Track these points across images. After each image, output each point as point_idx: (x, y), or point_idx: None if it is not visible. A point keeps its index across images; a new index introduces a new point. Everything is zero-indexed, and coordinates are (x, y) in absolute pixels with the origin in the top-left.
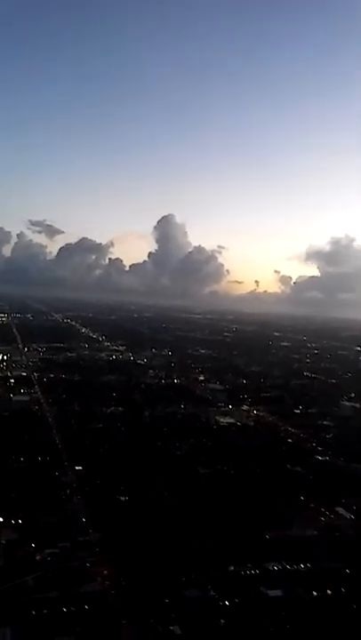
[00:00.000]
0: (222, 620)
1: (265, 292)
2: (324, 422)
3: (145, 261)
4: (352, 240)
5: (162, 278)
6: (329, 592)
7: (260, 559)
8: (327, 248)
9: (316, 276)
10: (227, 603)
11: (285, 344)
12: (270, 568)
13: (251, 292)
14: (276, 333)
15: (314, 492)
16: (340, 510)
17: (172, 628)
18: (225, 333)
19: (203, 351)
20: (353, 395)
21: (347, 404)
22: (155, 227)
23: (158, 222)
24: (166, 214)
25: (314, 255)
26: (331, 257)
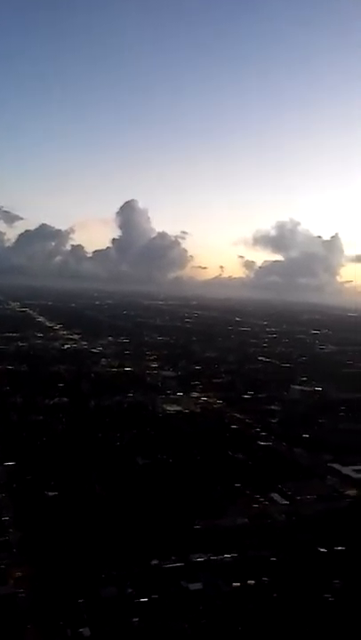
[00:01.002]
0: (135, 619)
1: (230, 277)
2: (272, 407)
3: (108, 248)
4: (297, 224)
5: (125, 264)
6: (251, 582)
7: (185, 551)
8: (273, 233)
9: (280, 261)
10: (144, 599)
11: (245, 329)
12: (195, 560)
13: (215, 277)
14: (237, 318)
15: (252, 478)
16: (275, 496)
17: (81, 630)
18: (186, 319)
19: (160, 338)
20: (304, 378)
21: (296, 387)
22: (117, 212)
23: (121, 208)
24: (129, 200)
25: (260, 240)
26: (276, 241)
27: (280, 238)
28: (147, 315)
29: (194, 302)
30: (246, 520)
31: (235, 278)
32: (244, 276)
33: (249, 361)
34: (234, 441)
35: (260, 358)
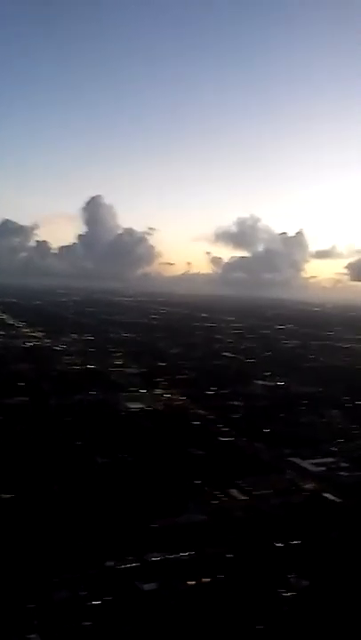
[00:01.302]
0: (87, 623)
1: (197, 273)
2: (235, 402)
3: (74, 244)
4: (257, 220)
5: (92, 261)
6: (206, 580)
7: (142, 551)
8: (234, 229)
9: (247, 257)
10: (97, 602)
11: (211, 325)
12: (151, 560)
13: (183, 273)
14: (203, 314)
15: (211, 474)
16: (234, 492)
17: (30, 636)
18: (152, 316)
19: (126, 335)
20: (268, 373)
21: (259, 383)
22: (83, 208)
23: (86, 204)
24: (94, 195)
25: (222, 236)
26: (238, 238)
27: (241, 234)
28: (113, 311)
29: (161, 299)
30: (204, 517)
31: (202, 274)
32: (211, 272)
33: (214, 357)
34: (195, 437)
35: (224, 354)
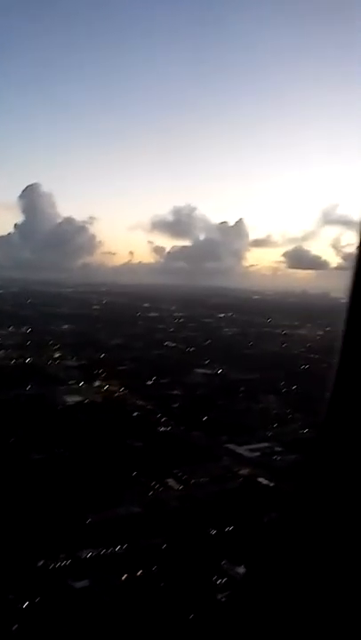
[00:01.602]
0: (15, 626)
1: (140, 262)
2: (174, 392)
3: (10, 233)
4: (193, 209)
5: (30, 251)
6: (140, 573)
7: (75, 547)
8: (170, 218)
9: (188, 246)
10: (26, 604)
11: (153, 314)
12: (84, 556)
13: (125, 263)
14: (146, 304)
15: (149, 465)
16: (171, 482)
17: None
18: (94, 306)
19: (66, 327)
20: (207, 361)
21: (199, 371)
22: (19, 196)
23: (23, 192)
24: (31, 183)
25: (158, 225)
26: (174, 227)
27: (177, 223)
28: (53, 303)
29: (103, 289)
30: (140, 509)
31: (145, 264)
32: (153, 261)
33: (155, 346)
34: (133, 429)
35: (166, 343)
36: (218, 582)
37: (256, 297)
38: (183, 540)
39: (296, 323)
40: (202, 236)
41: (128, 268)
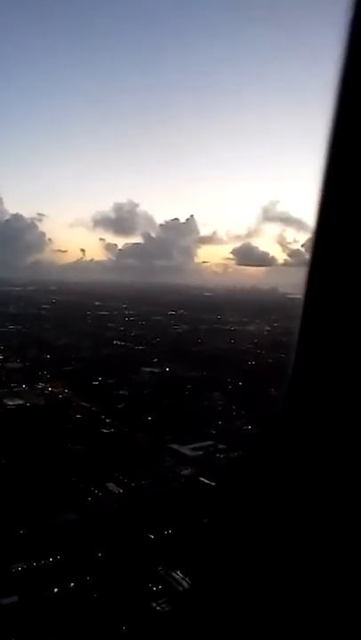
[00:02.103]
0: None
1: (91, 260)
2: (120, 392)
3: None
4: (135, 206)
5: None
6: (72, 585)
7: (5, 561)
8: (112, 215)
9: (140, 244)
10: None
11: (103, 313)
12: (14, 570)
13: (77, 260)
14: (96, 302)
15: (89, 470)
16: (111, 486)
17: None
18: (43, 306)
19: (12, 327)
20: (155, 360)
21: (146, 370)
22: None
23: None
24: None
25: (101, 222)
26: (116, 223)
27: (120, 220)
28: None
29: (53, 287)
30: (76, 516)
31: (97, 261)
32: (106, 259)
33: (103, 345)
34: (76, 432)
35: (115, 342)
36: (154, 589)
37: (207, 293)
38: (120, 546)
39: (245, 319)
40: (153, 234)
41: (79, 265)
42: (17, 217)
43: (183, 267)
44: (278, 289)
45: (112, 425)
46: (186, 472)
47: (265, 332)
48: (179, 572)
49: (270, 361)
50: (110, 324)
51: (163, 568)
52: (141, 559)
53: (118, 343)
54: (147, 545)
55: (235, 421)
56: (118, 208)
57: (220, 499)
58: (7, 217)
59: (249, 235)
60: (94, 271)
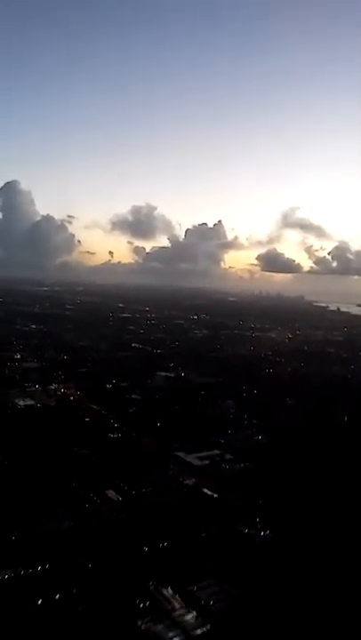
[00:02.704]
0: None
1: (119, 262)
2: (132, 395)
3: None
4: (153, 209)
5: (7, 249)
6: (58, 596)
7: None
8: (129, 217)
9: (167, 247)
10: None
11: (126, 315)
12: (3, 577)
13: (105, 262)
14: (120, 305)
15: (91, 475)
16: (110, 493)
17: None
18: (67, 306)
19: (34, 326)
20: (172, 364)
21: (162, 374)
22: None
23: (1, 189)
24: (10, 180)
25: (118, 224)
26: (134, 226)
27: (137, 223)
28: (25, 302)
29: (80, 288)
30: (72, 523)
31: (124, 264)
32: (133, 261)
33: (121, 348)
34: (82, 435)
35: (133, 345)
36: (141, 606)
37: (232, 299)
38: (112, 558)
39: (267, 325)
40: (181, 238)
41: (107, 268)
42: (47, 218)
43: (209, 271)
44: (305, 297)
45: (120, 429)
46: (189, 482)
47: (286, 340)
48: (169, 589)
49: (289, 369)
50: (131, 327)
51: (153, 583)
52: (132, 572)
53: (137, 346)
54: (140, 557)
55: (245, 430)
56: (136, 211)
57: (220, 511)
58: (38, 218)
59: (270, 241)
60: (121, 274)
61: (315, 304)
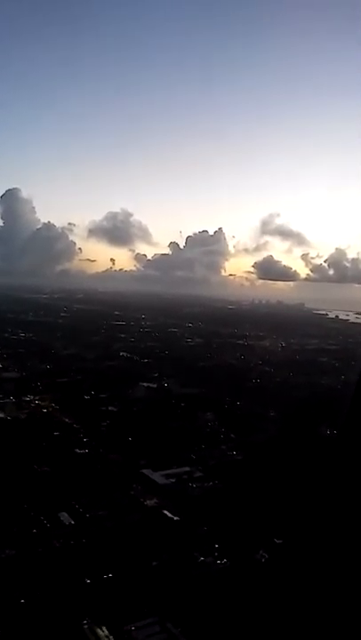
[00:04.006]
0: None
1: (120, 270)
2: (109, 408)
3: None
4: (129, 215)
5: (7, 256)
6: None
7: None
8: (105, 224)
9: (168, 255)
10: None
11: (120, 323)
12: None
13: (106, 270)
14: (117, 312)
15: (46, 495)
16: (63, 516)
17: None
18: (62, 314)
19: (22, 335)
20: (156, 374)
21: (144, 384)
22: None
23: (2, 197)
24: (11, 188)
25: (95, 231)
26: (111, 233)
27: (114, 230)
28: (21, 310)
29: (80, 296)
30: (14, 552)
31: (125, 271)
32: (134, 269)
33: (108, 357)
34: (47, 451)
35: (121, 354)
36: None
37: (231, 307)
38: (49, 591)
39: (262, 333)
40: (182, 245)
41: (108, 275)
42: (48, 226)
43: (210, 279)
44: (305, 304)
45: (89, 444)
46: (150, 502)
47: (279, 348)
48: (104, 629)
49: (277, 380)
50: (123, 335)
51: (88, 622)
52: (68, 608)
53: (125, 355)
54: (80, 591)
55: (220, 445)
56: (112, 217)
57: (177, 537)
58: (39, 226)
59: (257, 248)
60: (122, 281)
61: (314, 312)
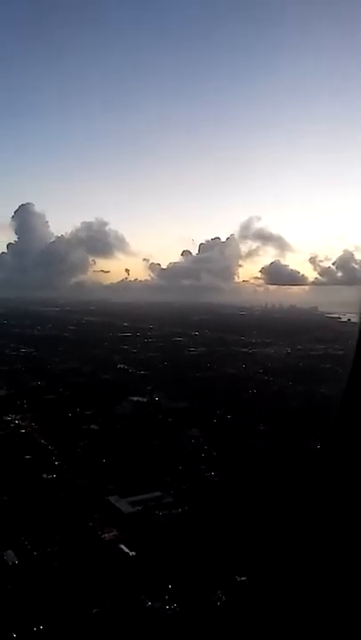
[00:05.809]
0: None
1: (135, 280)
2: (91, 426)
3: (4, 253)
4: (104, 224)
5: (22, 270)
6: None
7: None
8: (82, 234)
9: (181, 263)
10: None
11: (126, 334)
12: None
13: (121, 280)
14: (125, 323)
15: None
16: (8, 554)
17: None
18: (70, 327)
19: (23, 350)
20: (149, 387)
21: (133, 399)
22: (12, 216)
23: (16, 212)
24: (24, 203)
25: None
26: (87, 242)
27: (90, 240)
28: (29, 324)
29: (93, 307)
30: None
31: (140, 281)
32: (149, 278)
33: (105, 370)
34: (12, 476)
35: (119, 366)
36: None
37: (242, 313)
38: None
39: (268, 340)
40: (195, 253)
41: (122, 285)
42: (62, 239)
43: (223, 285)
44: (318, 308)
45: (58, 468)
46: (108, 535)
47: (283, 355)
48: None
49: (275, 389)
50: (125, 347)
51: None
52: None
53: (122, 367)
54: None
55: (200, 465)
56: (87, 227)
57: (128, 577)
58: (52, 239)
59: (249, 254)
60: (136, 291)
61: (327, 315)
